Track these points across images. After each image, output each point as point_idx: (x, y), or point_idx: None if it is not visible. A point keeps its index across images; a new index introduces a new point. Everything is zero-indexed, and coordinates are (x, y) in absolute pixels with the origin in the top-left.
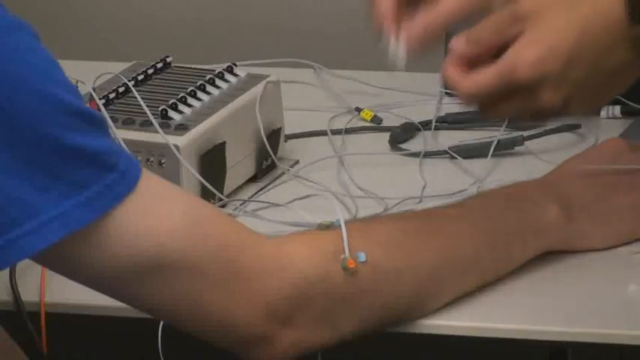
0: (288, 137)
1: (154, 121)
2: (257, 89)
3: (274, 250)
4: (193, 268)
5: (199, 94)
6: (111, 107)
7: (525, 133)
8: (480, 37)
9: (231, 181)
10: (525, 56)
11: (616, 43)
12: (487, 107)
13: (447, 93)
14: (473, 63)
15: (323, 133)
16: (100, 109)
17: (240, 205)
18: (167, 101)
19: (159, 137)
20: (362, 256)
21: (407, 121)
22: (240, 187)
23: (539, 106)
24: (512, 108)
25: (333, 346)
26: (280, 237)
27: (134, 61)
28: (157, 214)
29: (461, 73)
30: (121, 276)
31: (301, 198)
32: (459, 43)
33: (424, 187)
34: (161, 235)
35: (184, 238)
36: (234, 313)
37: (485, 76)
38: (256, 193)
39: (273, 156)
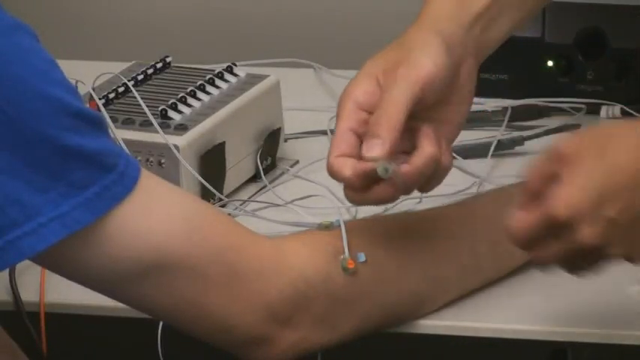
0: (288, 137)
1: (153, 121)
2: (257, 89)
3: (274, 250)
4: (193, 270)
5: (199, 94)
6: (110, 107)
7: (525, 133)
8: (535, 169)
9: (231, 181)
10: (560, 196)
11: None
12: (540, 251)
13: None
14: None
15: (323, 133)
16: (99, 109)
17: (240, 205)
18: (167, 101)
19: (158, 137)
20: (362, 257)
21: None
22: (240, 187)
23: (581, 244)
24: (559, 248)
25: (333, 346)
26: (280, 237)
27: (134, 61)
28: (156, 215)
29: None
30: (120, 277)
31: (301, 198)
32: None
33: None
34: (160, 236)
35: (183, 239)
36: (233, 314)
37: (532, 216)
38: (256, 193)
39: (273, 156)
